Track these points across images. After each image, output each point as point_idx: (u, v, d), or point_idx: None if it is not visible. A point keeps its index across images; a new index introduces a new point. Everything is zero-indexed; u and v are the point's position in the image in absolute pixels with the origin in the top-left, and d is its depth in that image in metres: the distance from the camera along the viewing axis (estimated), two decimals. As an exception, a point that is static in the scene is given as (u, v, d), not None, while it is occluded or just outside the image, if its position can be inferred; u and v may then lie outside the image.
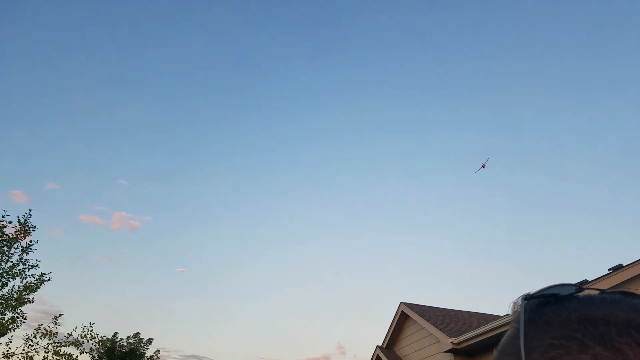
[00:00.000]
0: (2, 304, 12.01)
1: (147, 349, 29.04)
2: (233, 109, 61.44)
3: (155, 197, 71.32)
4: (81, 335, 12.78)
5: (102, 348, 27.34)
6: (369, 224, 65.52)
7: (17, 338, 13.62)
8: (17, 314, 12.13)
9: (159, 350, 30.00)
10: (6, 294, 12.24)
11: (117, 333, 28.42)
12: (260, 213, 72.03)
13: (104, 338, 13.66)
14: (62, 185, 66.31)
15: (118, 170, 71.75)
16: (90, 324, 12.95)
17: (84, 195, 69.12)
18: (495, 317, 13.86)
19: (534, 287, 0.49)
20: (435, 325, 12.26)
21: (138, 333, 29.27)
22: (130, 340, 28.72)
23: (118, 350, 27.97)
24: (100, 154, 65.31)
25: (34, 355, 11.94)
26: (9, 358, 11.84)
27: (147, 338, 29.45)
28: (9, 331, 11.70)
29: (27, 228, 12.96)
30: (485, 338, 10.33)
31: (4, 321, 11.69)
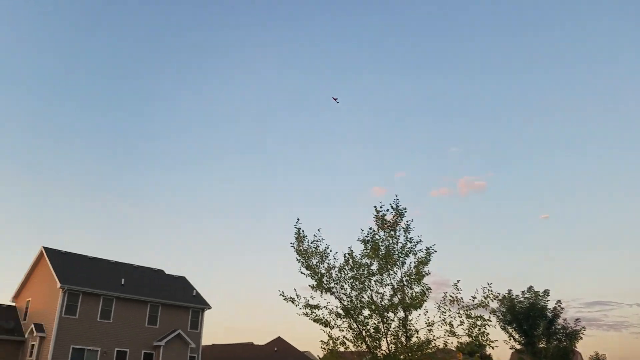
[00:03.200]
0: (407, 280, 13.30)
1: (547, 301, 27.68)
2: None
3: (490, 152, 70.14)
4: (484, 296, 12.81)
5: (504, 306, 27.50)
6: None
7: (429, 310, 14.81)
8: (422, 286, 13.19)
9: (560, 301, 28.17)
10: (407, 271, 13.52)
11: (510, 290, 28.08)
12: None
13: (503, 296, 13.30)
14: (406, 171, 73.55)
15: (446, 140, 74.62)
16: (488, 284, 12.87)
17: (425, 174, 74.75)
18: None
19: None
20: None
21: (532, 287, 28.19)
22: (526, 295, 27.95)
23: (518, 306, 27.60)
24: (433, 130, 69.34)
25: (451, 321, 12.61)
26: (431, 326, 12.89)
27: (543, 290, 28.06)
28: (424, 302, 12.78)
29: (399, 211, 14.16)
30: None
31: (415, 294, 12.87)
